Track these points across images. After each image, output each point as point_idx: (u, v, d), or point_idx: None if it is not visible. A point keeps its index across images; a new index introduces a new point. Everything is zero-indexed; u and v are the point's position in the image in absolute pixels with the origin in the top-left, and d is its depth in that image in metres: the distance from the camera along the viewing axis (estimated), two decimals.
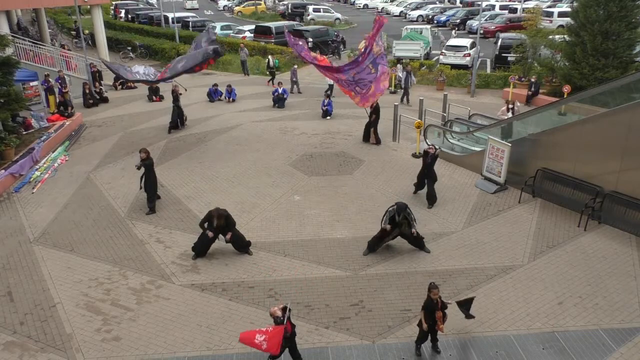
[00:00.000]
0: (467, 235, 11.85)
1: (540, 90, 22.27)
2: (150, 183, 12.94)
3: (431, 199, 13.22)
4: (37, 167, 15.64)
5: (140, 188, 13.12)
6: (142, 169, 12.84)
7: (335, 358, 8.38)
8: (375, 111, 17.30)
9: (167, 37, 36.46)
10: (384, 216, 10.98)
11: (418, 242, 11.18)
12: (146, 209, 13.01)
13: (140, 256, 11.18)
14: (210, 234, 10.83)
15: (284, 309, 7.74)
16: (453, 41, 30.29)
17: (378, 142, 17.49)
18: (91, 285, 10.20)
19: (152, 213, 12.92)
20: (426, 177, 13.39)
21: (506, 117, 17.48)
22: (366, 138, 17.73)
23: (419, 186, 13.74)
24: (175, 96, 18.96)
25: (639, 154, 11.56)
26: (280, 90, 22.09)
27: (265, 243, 11.57)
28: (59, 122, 18.97)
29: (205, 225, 10.89)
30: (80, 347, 8.60)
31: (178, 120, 19.16)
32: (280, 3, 58.03)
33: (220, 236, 10.97)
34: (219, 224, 10.80)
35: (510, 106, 18.77)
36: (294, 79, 24.98)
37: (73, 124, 19.38)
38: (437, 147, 14.46)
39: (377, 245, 11.10)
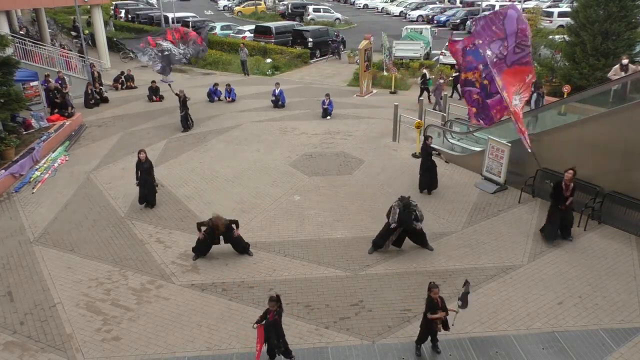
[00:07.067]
0: (467, 235, 11.85)
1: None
2: (149, 184, 13.09)
3: (434, 186, 13.80)
4: (37, 167, 15.64)
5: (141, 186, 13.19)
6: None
7: (335, 358, 8.38)
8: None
9: None
10: (389, 212, 10.90)
11: (421, 240, 11.19)
12: (144, 207, 13.16)
13: (140, 256, 11.18)
14: (201, 236, 10.84)
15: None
16: None
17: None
18: (91, 285, 10.20)
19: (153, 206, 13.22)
20: (430, 167, 13.65)
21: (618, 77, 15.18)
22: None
23: (425, 182, 13.82)
24: (184, 101, 18.89)
25: (639, 154, 11.56)
26: (277, 92, 22.03)
27: (265, 243, 11.57)
28: (59, 122, 18.98)
29: (202, 229, 10.85)
30: (80, 347, 8.60)
31: (187, 123, 19.19)
32: (280, 3, 57.95)
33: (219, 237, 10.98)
34: (219, 232, 10.85)
35: (625, 62, 16.08)
36: (440, 97, 20.90)
37: (73, 124, 19.38)
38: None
39: (381, 242, 11.07)
